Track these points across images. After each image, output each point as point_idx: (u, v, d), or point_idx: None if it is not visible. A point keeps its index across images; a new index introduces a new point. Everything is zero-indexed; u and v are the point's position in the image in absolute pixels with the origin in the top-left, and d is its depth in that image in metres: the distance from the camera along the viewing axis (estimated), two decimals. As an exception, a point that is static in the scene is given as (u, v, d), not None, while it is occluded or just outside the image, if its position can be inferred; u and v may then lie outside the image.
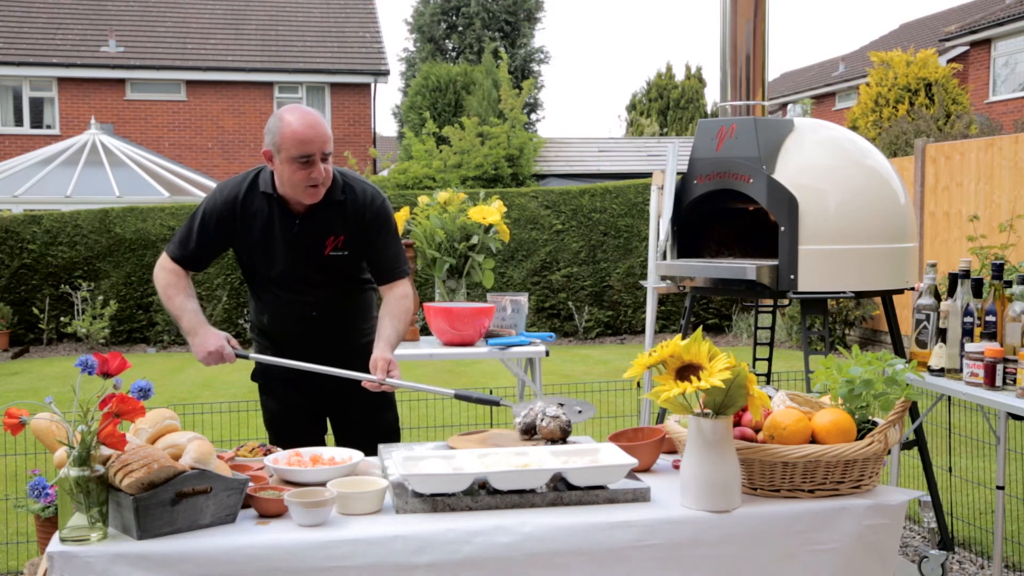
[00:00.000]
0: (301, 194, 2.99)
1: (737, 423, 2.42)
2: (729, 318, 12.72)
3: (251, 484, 2.24)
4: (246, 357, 3.07)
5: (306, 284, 3.15)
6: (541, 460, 2.36)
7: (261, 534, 2.10)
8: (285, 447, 2.72)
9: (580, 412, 2.83)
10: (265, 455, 2.62)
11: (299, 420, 3.28)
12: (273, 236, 3.09)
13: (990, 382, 3.04)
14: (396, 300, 3.16)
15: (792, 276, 3.49)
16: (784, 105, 29.05)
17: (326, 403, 3.30)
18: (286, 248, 3.10)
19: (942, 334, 3.30)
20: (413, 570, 2.09)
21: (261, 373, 3.32)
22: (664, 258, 3.97)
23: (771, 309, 4.48)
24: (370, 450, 2.72)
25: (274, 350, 3.21)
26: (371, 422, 3.28)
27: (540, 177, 19.28)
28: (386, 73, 22.67)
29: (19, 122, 21.58)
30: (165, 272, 3.15)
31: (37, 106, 21.65)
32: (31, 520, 4.05)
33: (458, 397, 2.93)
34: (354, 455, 2.48)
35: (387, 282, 3.19)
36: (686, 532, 2.20)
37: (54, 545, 2.02)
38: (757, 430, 2.40)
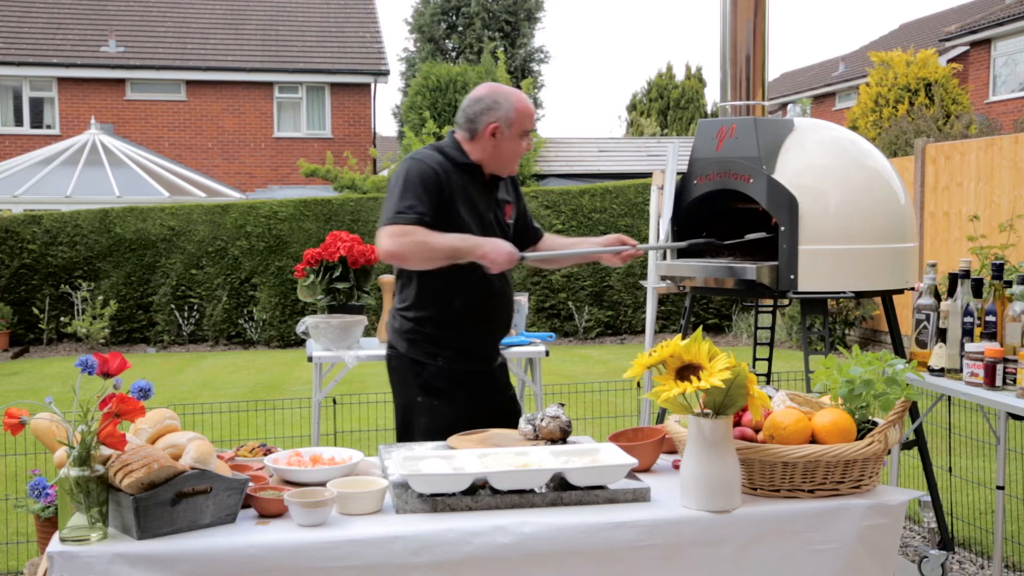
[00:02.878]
0: (512, 165, 3.18)
1: (737, 423, 2.42)
2: (729, 318, 12.72)
3: (251, 484, 2.24)
4: (523, 259, 3.11)
5: None
6: (541, 460, 2.36)
7: (261, 534, 2.10)
8: None
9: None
10: (265, 455, 2.62)
11: (468, 423, 3.07)
12: (476, 206, 3.13)
13: (990, 382, 3.04)
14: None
15: (792, 276, 3.49)
16: (784, 105, 29.05)
17: (496, 408, 3.23)
18: (487, 217, 3.16)
19: (942, 334, 3.30)
20: (413, 570, 2.09)
21: (448, 379, 3.16)
22: (664, 258, 3.97)
23: (771, 309, 4.48)
24: None
25: (452, 338, 3.12)
26: (511, 407, 3.34)
27: (540, 177, 19.29)
28: (386, 73, 22.68)
29: (19, 122, 21.59)
30: (413, 233, 2.95)
31: (37, 106, 21.66)
32: (31, 520, 4.05)
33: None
34: (354, 455, 2.48)
35: (539, 237, 3.44)
36: (686, 532, 2.20)
37: (54, 545, 2.02)
38: (757, 430, 2.40)
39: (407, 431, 3.21)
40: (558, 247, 3.45)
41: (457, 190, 3.08)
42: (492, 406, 3.24)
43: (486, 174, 3.17)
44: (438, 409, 3.14)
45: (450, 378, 3.14)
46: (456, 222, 3.07)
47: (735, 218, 3.97)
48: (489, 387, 3.27)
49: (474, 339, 3.18)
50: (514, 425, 2.92)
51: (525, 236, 3.39)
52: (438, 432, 3.00)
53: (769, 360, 4.51)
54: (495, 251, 2.97)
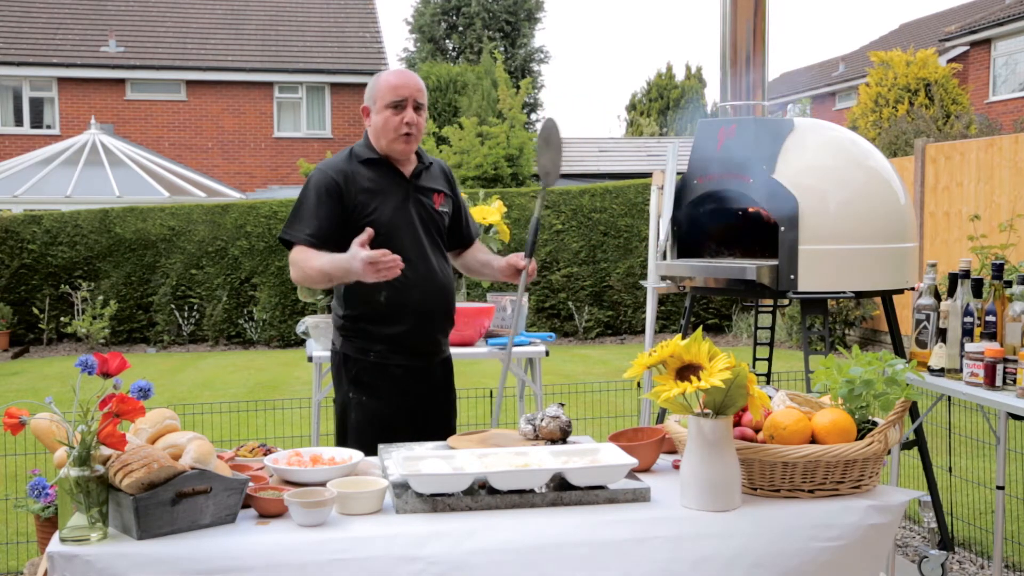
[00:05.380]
0: (396, 142, 3.09)
1: (737, 423, 2.42)
2: (729, 318, 12.72)
3: (251, 484, 2.24)
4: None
5: (424, 248, 3.14)
6: (541, 460, 2.36)
7: (261, 534, 2.10)
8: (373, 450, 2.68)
9: None
10: (265, 455, 2.62)
11: (398, 420, 3.11)
12: (390, 198, 3.10)
13: (990, 382, 3.04)
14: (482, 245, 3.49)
15: (792, 276, 3.49)
16: (784, 105, 29.05)
17: (424, 398, 3.19)
18: (406, 207, 3.12)
19: (942, 334, 3.30)
20: (413, 569, 2.09)
21: (379, 375, 3.13)
22: (664, 258, 3.97)
23: (771, 309, 4.48)
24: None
25: (383, 334, 3.08)
26: (448, 409, 3.32)
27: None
28: (386, 73, 22.66)
29: (19, 122, 21.58)
30: (295, 255, 3.01)
31: (37, 106, 21.65)
32: (31, 520, 4.05)
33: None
34: (354, 455, 2.48)
35: (472, 242, 3.43)
36: (686, 532, 2.20)
37: (54, 545, 2.02)
38: (757, 430, 2.40)
39: (343, 427, 3.20)
40: (476, 261, 3.42)
41: (365, 187, 3.08)
42: (422, 403, 3.18)
43: (394, 162, 3.15)
44: (367, 405, 3.13)
45: (382, 374, 3.11)
46: (367, 222, 3.04)
47: (735, 218, 3.97)
48: (424, 384, 3.18)
49: (407, 333, 3.11)
50: (445, 427, 2.89)
51: (454, 235, 3.36)
52: (368, 429, 3.01)
53: (769, 360, 4.51)
54: (355, 263, 2.82)
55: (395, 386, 3.13)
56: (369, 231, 2.88)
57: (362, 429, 3.10)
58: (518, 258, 3.27)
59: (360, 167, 3.11)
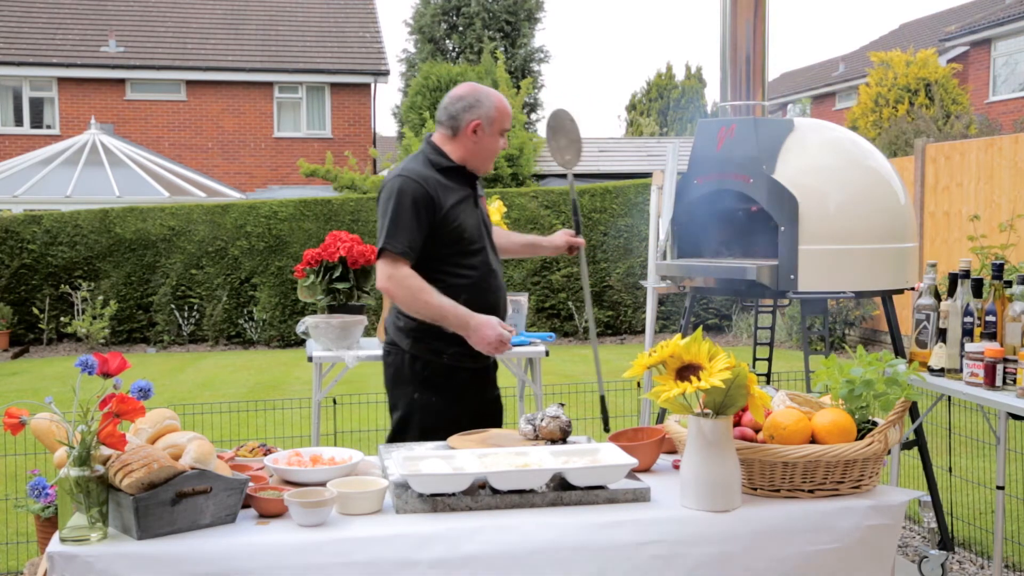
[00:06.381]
0: (490, 163, 3.28)
1: (737, 423, 2.42)
2: (729, 318, 12.72)
3: (251, 484, 2.24)
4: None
5: (490, 250, 3.27)
6: (541, 460, 2.36)
7: (261, 534, 2.10)
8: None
9: None
10: (265, 455, 2.62)
11: (462, 421, 3.11)
12: (467, 207, 3.19)
13: (990, 382, 3.04)
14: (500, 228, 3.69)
15: (792, 276, 3.48)
16: (784, 105, 29.06)
17: (485, 405, 3.32)
18: (476, 213, 3.23)
19: (942, 334, 3.30)
20: (413, 570, 2.09)
21: (449, 375, 3.18)
22: (664, 258, 3.97)
23: (771, 309, 4.48)
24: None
25: (457, 335, 3.09)
26: (499, 407, 3.44)
27: (540, 177, 19.28)
28: (386, 73, 22.67)
29: (19, 122, 21.58)
30: (408, 278, 3.04)
31: (37, 106, 21.65)
32: (31, 520, 4.05)
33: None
34: (354, 455, 2.48)
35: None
36: (686, 532, 2.20)
37: (54, 545, 2.02)
38: (757, 430, 2.40)
39: (403, 428, 3.22)
40: (506, 242, 3.59)
41: (450, 196, 3.14)
42: (482, 404, 3.32)
43: (468, 173, 3.24)
44: (435, 406, 3.18)
45: (451, 375, 3.19)
46: (455, 228, 3.13)
47: (735, 218, 3.97)
48: (483, 382, 3.33)
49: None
50: (499, 423, 2.94)
51: None
52: (434, 430, 3.01)
53: (769, 360, 4.51)
54: (485, 328, 3.04)
55: (462, 387, 3.21)
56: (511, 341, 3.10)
57: (430, 431, 3.06)
58: (569, 235, 3.67)
59: (440, 175, 3.16)
